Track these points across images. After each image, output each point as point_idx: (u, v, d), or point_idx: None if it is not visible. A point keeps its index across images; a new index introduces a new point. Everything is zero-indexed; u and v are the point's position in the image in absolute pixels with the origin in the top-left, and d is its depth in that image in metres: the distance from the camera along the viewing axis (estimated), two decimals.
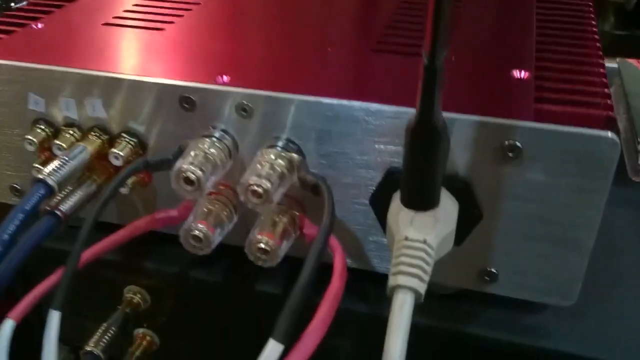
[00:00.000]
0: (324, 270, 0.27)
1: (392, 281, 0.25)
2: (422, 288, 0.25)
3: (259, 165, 0.28)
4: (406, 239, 0.26)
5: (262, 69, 0.33)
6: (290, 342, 0.24)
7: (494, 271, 0.30)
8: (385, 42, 0.36)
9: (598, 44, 0.35)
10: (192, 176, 0.28)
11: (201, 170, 0.28)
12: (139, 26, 0.39)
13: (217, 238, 0.30)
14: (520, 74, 0.31)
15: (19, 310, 0.26)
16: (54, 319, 0.26)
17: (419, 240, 0.26)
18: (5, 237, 0.27)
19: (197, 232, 0.30)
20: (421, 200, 0.25)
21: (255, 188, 0.28)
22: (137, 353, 0.37)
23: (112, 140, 0.33)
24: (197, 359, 0.39)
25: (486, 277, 0.31)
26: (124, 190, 0.33)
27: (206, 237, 0.30)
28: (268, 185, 0.27)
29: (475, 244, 0.30)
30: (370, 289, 0.33)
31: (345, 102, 0.29)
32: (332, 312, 0.25)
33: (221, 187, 0.32)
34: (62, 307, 0.27)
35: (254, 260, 0.30)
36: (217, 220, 0.31)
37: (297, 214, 0.31)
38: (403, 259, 0.25)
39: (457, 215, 0.28)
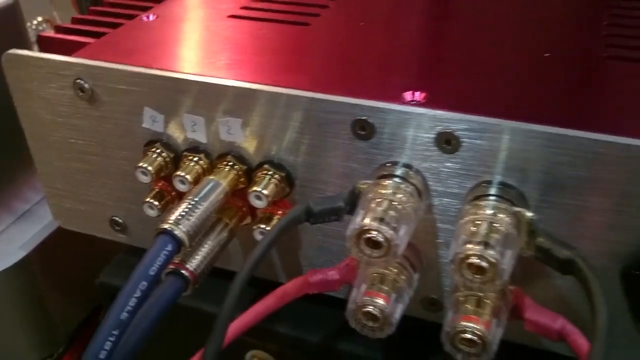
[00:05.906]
0: None
1: None
2: None
3: (471, 226, 0.20)
4: None
5: (464, 83, 0.24)
6: None
7: None
8: (616, 45, 0.27)
9: None
10: (381, 237, 0.20)
11: (392, 227, 0.20)
12: (277, 19, 0.30)
13: (397, 313, 0.22)
14: None
15: None
16: None
17: None
18: (124, 316, 0.19)
19: (370, 308, 0.21)
20: None
21: (477, 261, 0.19)
22: None
23: (249, 172, 0.25)
24: None
25: None
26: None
27: (384, 314, 0.21)
28: (495, 255, 0.19)
29: None
30: None
31: (601, 137, 0.20)
32: None
33: None
34: None
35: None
36: (395, 288, 0.22)
37: (511, 288, 0.22)
38: None
39: None
